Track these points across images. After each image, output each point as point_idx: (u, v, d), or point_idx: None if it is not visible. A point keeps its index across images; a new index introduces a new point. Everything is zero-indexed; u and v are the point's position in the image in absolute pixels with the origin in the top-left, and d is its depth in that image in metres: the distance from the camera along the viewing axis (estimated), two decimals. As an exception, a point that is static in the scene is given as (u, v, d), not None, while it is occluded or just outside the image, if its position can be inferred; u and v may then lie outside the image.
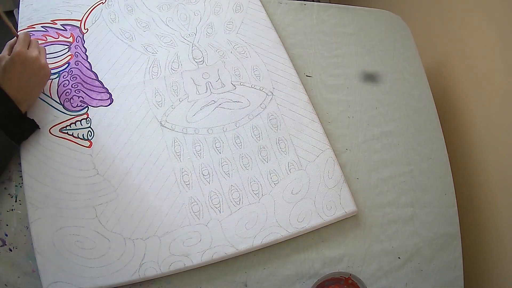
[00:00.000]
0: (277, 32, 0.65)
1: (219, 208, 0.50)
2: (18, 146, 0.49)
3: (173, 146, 0.52)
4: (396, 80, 0.69)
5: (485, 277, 0.65)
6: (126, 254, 0.47)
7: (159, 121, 0.53)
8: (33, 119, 0.50)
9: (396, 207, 0.58)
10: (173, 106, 0.54)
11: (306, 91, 0.61)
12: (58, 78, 0.54)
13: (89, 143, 0.51)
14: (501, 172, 0.65)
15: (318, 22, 0.71)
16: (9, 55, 0.48)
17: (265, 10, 0.67)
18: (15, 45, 0.49)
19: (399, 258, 0.55)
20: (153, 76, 0.56)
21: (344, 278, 0.50)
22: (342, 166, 0.58)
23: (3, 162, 0.48)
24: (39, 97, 0.53)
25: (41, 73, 0.50)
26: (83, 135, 0.51)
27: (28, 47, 0.50)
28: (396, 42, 0.73)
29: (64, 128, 0.51)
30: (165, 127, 0.53)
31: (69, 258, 0.45)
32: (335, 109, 0.64)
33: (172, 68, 0.57)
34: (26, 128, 0.50)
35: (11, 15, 1.06)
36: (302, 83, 0.61)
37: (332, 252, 0.53)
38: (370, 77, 0.68)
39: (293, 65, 0.62)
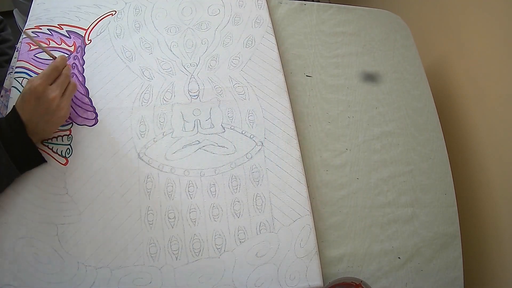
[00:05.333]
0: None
1: (176, 255, 0.63)
2: (20, 174, 0.61)
3: (145, 182, 0.65)
4: (396, 80, 0.84)
5: (485, 277, 0.80)
6: (77, 278, 0.60)
7: (138, 152, 0.67)
8: (40, 153, 0.62)
9: (396, 207, 0.72)
10: (155, 139, 0.68)
11: (299, 145, 0.72)
12: (51, 87, 0.69)
13: (65, 161, 0.65)
14: (501, 172, 0.79)
15: (318, 22, 0.86)
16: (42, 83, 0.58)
17: (276, 44, 0.79)
18: (38, 76, 0.59)
19: (399, 258, 0.69)
20: (143, 103, 0.70)
21: (354, 284, 0.63)
22: (342, 166, 0.73)
23: (2, 188, 0.60)
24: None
25: (56, 114, 0.60)
26: (61, 151, 0.65)
27: (56, 80, 0.60)
28: (396, 42, 0.88)
29: (46, 141, 0.66)
30: (142, 160, 0.66)
31: (25, 267, 0.59)
32: (335, 109, 0.78)
33: (164, 98, 0.71)
34: (32, 158, 0.62)
35: (11, 15, 1.26)
36: (297, 137, 0.72)
37: (332, 252, 0.67)
38: (370, 77, 0.82)
39: (293, 116, 0.74)
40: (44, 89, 0.58)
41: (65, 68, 0.62)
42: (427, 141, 0.80)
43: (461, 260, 0.72)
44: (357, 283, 0.63)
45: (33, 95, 0.58)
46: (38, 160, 0.63)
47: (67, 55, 0.72)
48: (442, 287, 0.70)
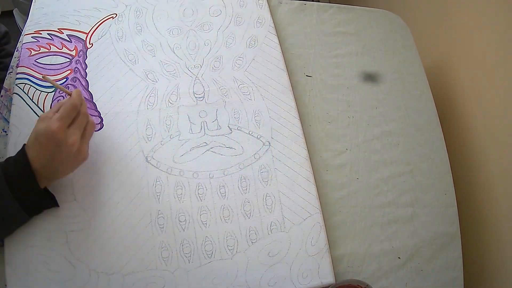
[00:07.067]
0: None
1: (189, 258, 0.63)
2: (29, 218, 0.59)
3: (154, 185, 0.65)
4: (396, 80, 0.85)
5: (485, 277, 0.81)
6: (89, 285, 0.60)
7: (145, 156, 0.66)
8: (53, 197, 0.59)
9: (396, 207, 0.74)
10: (162, 143, 0.68)
11: (306, 144, 0.73)
12: (54, 93, 0.69)
13: (72, 167, 0.64)
14: (501, 172, 0.80)
15: (318, 22, 0.87)
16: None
17: (280, 47, 0.80)
18: (56, 117, 0.54)
19: (399, 258, 0.70)
20: (148, 106, 0.70)
21: (360, 287, 0.63)
22: (342, 166, 0.74)
23: (10, 229, 0.58)
24: (30, 108, 0.67)
25: (76, 159, 0.57)
26: (68, 157, 0.65)
27: (74, 121, 0.55)
28: (396, 42, 0.89)
29: (51, 146, 0.65)
30: (150, 163, 0.66)
31: (35, 276, 0.59)
32: (335, 109, 0.79)
33: (170, 101, 0.71)
34: (42, 204, 0.59)
35: (11, 15, 1.25)
36: (304, 136, 0.73)
37: (332, 252, 0.67)
38: (370, 77, 0.83)
39: (298, 115, 0.74)
40: (63, 135, 0.53)
41: (82, 105, 0.57)
42: (427, 141, 0.81)
43: (461, 260, 0.73)
44: (363, 287, 0.63)
45: (52, 141, 0.53)
46: (49, 204, 0.60)
47: (68, 60, 0.71)
48: (442, 287, 0.71)
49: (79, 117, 0.56)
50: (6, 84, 0.71)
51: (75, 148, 0.55)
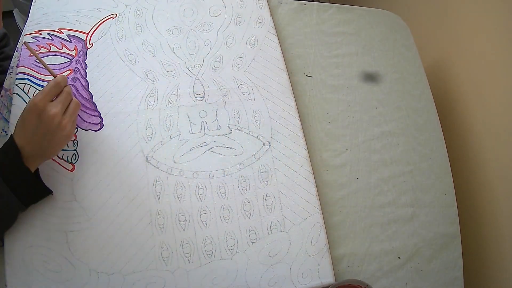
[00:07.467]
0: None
1: (189, 258, 0.63)
2: (25, 207, 0.59)
3: (154, 185, 0.65)
4: (396, 80, 0.85)
5: (485, 277, 0.81)
6: (89, 285, 0.60)
7: (145, 156, 0.66)
8: (44, 184, 0.59)
9: (396, 207, 0.74)
10: (162, 143, 0.68)
11: (306, 144, 0.73)
12: (54, 92, 0.68)
13: (72, 167, 0.65)
14: (501, 172, 0.80)
15: (318, 22, 0.87)
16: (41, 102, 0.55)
17: (280, 47, 0.80)
18: (39, 92, 0.56)
19: (399, 258, 0.70)
20: (148, 106, 0.70)
21: (360, 287, 0.64)
22: (342, 166, 0.74)
23: (7, 222, 0.58)
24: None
25: (58, 133, 0.56)
26: (67, 157, 0.65)
27: (57, 96, 0.57)
28: (396, 42, 0.89)
29: (51, 147, 0.65)
30: (150, 163, 0.66)
31: (35, 276, 0.59)
32: (335, 109, 0.79)
33: (170, 101, 0.71)
34: (34, 189, 0.59)
35: (11, 15, 1.25)
36: (304, 136, 0.73)
37: (332, 252, 0.67)
38: (370, 77, 0.84)
39: (298, 114, 0.74)
40: (44, 105, 0.55)
41: (66, 86, 0.59)
42: (427, 141, 0.81)
43: (461, 260, 0.73)
44: (363, 287, 0.64)
45: (33, 112, 0.55)
46: (42, 191, 0.60)
47: (68, 60, 0.71)
48: (442, 287, 0.71)
49: (62, 94, 0.58)
50: (6, 84, 0.71)
51: (56, 121, 0.56)
